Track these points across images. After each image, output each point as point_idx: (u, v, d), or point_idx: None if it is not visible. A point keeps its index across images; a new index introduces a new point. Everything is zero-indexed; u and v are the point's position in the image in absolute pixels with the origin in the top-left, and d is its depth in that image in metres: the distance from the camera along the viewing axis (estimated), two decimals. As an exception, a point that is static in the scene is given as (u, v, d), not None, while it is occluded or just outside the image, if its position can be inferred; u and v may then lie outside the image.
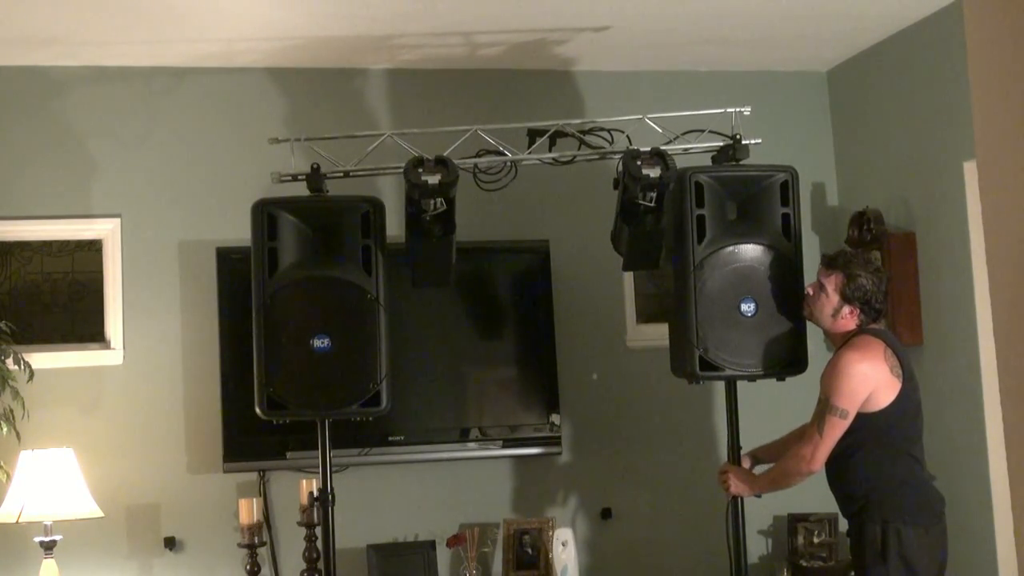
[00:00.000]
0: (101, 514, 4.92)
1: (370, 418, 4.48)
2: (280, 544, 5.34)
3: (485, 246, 5.49)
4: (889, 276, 4.38)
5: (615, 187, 4.59)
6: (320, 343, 4.31)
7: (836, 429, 4.09)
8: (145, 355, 5.36)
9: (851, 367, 4.07)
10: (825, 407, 4.10)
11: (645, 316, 5.82)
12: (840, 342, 4.24)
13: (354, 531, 5.22)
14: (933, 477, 4.20)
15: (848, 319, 4.22)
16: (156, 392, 5.34)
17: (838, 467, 4.19)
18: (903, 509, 4.09)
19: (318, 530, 4.62)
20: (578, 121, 5.03)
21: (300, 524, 5.09)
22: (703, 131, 4.79)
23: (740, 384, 4.59)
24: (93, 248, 5.45)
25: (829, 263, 4.30)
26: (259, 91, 5.57)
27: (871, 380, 4.07)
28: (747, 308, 4.46)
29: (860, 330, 4.21)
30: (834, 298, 4.21)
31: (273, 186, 4.60)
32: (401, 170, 4.33)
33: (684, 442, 5.70)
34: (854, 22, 5.36)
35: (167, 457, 5.31)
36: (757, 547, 5.69)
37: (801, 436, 4.27)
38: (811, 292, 4.31)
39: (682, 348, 4.54)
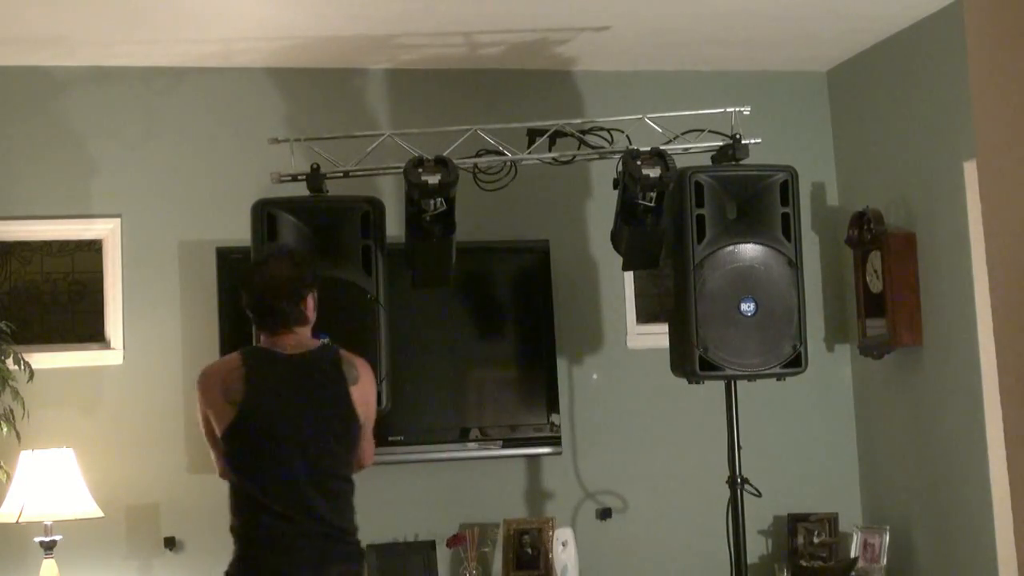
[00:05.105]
0: (101, 514, 4.92)
1: (370, 418, 4.48)
2: (280, 544, 5.33)
3: (485, 246, 5.49)
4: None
5: (615, 187, 4.60)
6: (320, 343, 4.31)
7: None
8: (145, 355, 5.35)
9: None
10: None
11: (645, 316, 5.81)
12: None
13: (354, 531, 5.21)
14: None
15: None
16: (156, 392, 5.34)
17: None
18: None
19: (318, 530, 4.61)
20: (578, 121, 5.03)
21: (300, 524, 5.07)
22: (703, 131, 4.80)
23: (740, 384, 4.59)
24: (93, 248, 5.45)
25: None
26: (259, 91, 5.57)
27: None
28: (747, 308, 4.47)
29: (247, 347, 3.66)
30: None
31: (273, 186, 4.60)
32: (401, 170, 4.34)
33: (684, 442, 5.69)
34: (854, 22, 5.36)
35: (167, 457, 5.30)
36: (757, 547, 5.68)
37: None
38: None
39: (682, 348, 4.54)
